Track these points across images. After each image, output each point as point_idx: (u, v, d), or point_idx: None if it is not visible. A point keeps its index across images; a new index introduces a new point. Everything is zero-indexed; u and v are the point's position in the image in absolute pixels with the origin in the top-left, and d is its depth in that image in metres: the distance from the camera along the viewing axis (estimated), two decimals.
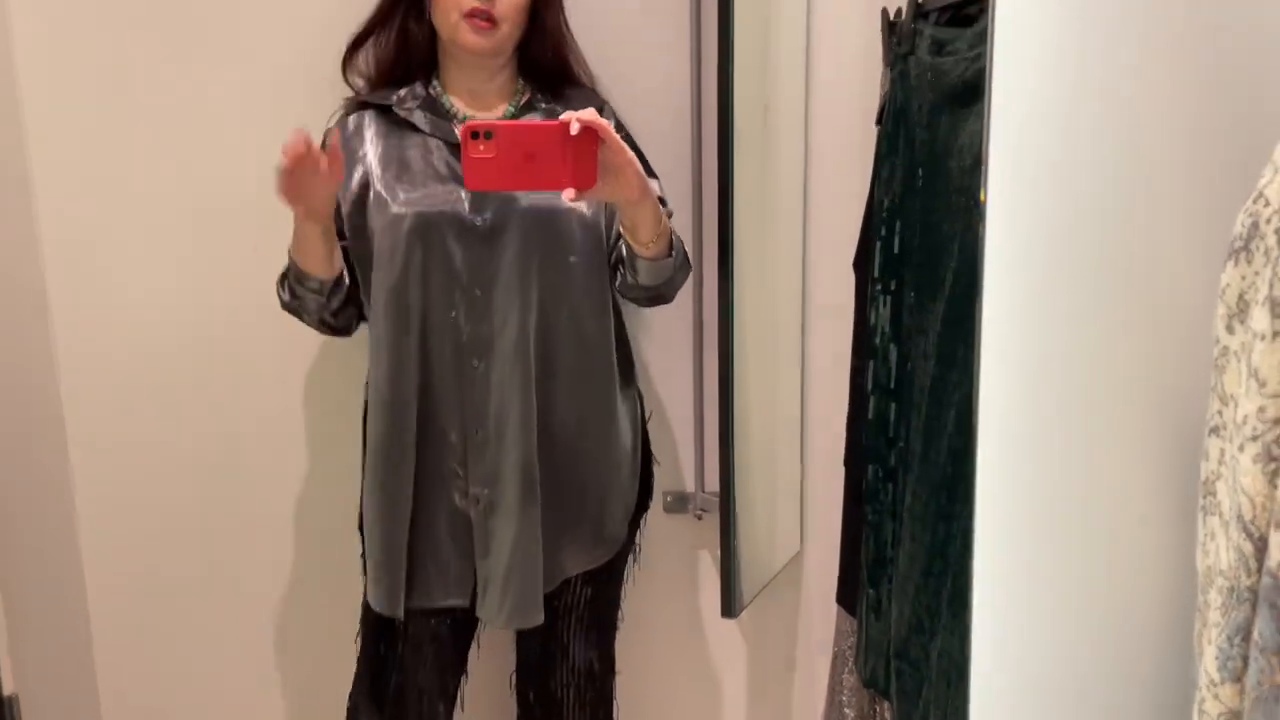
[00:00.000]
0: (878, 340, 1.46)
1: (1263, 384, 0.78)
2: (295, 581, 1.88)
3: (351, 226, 1.47)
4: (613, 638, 1.71)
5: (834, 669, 1.69)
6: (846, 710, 1.63)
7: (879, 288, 1.46)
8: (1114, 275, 0.93)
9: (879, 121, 1.50)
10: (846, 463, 1.63)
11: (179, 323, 1.78)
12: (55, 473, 1.81)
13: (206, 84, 1.70)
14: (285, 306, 1.49)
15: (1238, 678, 0.82)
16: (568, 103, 1.51)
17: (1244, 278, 0.81)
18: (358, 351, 1.58)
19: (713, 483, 1.76)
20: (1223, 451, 0.85)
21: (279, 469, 1.84)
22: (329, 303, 1.45)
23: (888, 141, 1.44)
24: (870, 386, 1.48)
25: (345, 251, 1.48)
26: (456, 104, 1.51)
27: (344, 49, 1.54)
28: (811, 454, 1.82)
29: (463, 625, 1.59)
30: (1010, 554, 0.98)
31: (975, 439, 0.88)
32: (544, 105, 1.52)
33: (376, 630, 1.57)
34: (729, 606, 1.61)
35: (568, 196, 1.26)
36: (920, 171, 1.35)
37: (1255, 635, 0.78)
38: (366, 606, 1.58)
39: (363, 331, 1.54)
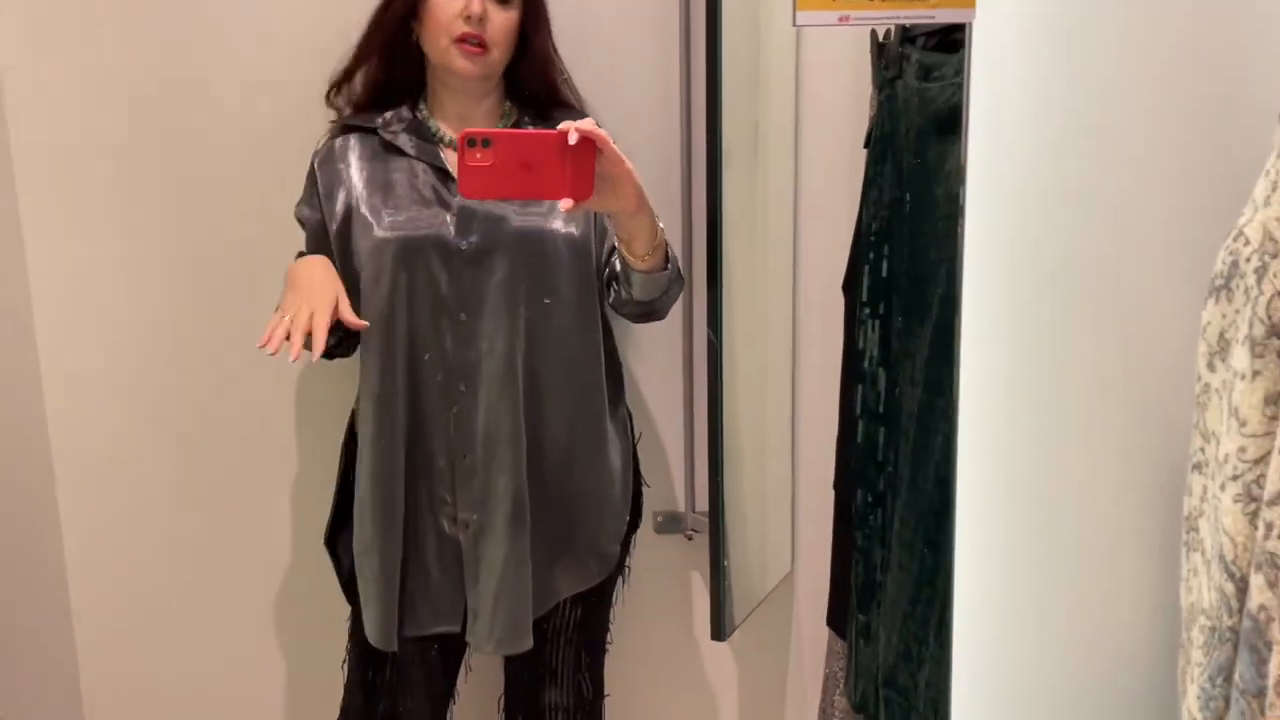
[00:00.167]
0: (866, 364, 1.46)
1: (1243, 423, 0.77)
2: (282, 607, 1.87)
3: (339, 251, 1.47)
4: (602, 660, 1.70)
5: (825, 691, 1.68)
6: None
7: (867, 312, 1.46)
8: (1097, 307, 0.93)
9: (867, 145, 1.49)
10: (836, 486, 1.62)
11: (164, 339, 1.77)
12: (40, 493, 1.80)
13: (196, 97, 1.69)
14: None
15: (1220, 718, 0.81)
16: (555, 125, 1.50)
17: (1224, 316, 0.81)
18: (345, 368, 1.57)
19: (704, 503, 1.75)
20: (1205, 488, 0.85)
21: (265, 489, 1.83)
22: (332, 338, 1.46)
23: (875, 166, 1.43)
24: (859, 411, 1.48)
25: None
26: (443, 127, 1.50)
27: (333, 76, 1.53)
28: (803, 473, 1.81)
29: (452, 650, 1.58)
30: (991, 583, 0.97)
31: (954, 473, 0.88)
32: (531, 128, 1.52)
33: (364, 655, 1.56)
34: (718, 630, 1.60)
35: (565, 206, 1.25)
36: (908, 196, 1.35)
37: (1236, 677, 0.78)
38: (354, 631, 1.57)
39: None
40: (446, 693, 1.62)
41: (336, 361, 1.56)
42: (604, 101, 1.63)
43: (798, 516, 1.83)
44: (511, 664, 1.68)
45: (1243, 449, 0.77)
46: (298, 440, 1.82)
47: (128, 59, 1.68)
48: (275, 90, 1.67)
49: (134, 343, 1.77)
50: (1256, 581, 0.75)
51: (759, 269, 1.67)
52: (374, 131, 1.49)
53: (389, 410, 1.46)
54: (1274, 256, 0.74)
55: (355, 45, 1.50)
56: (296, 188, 1.53)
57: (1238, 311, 0.79)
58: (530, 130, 1.47)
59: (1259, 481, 0.77)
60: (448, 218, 1.44)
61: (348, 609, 1.59)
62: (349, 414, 1.57)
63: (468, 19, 1.41)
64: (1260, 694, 0.75)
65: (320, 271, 1.43)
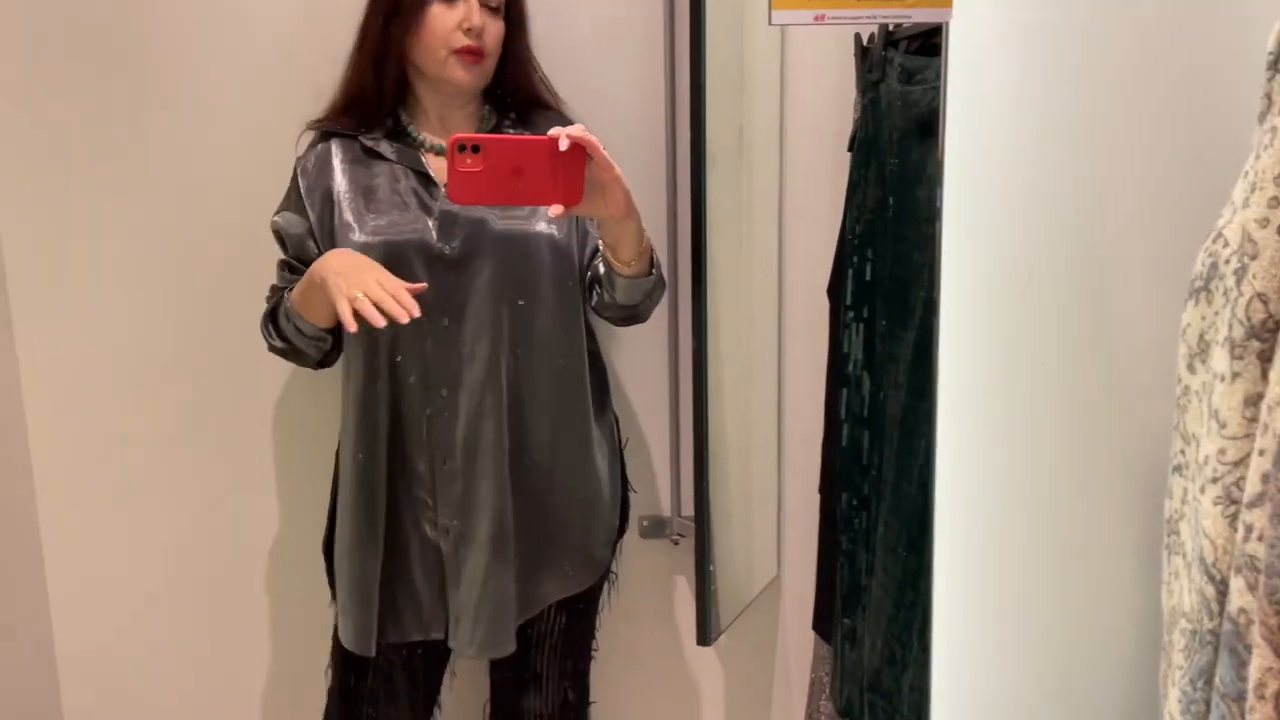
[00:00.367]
0: (850, 368, 1.46)
1: (1223, 425, 0.77)
2: (268, 613, 1.86)
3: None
4: (588, 666, 1.69)
5: (811, 695, 1.68)
6: None
7: (851, 315, 1.45)
8: (1077, 309, 0.92)
9: (851, 148, 1.49)
10: (821, 490, 1.62)
11: (148, 342, 1.76)
12: (20, 498, 1.78)
13: (187, 98, 1.69)
14: (275, 350, 1.48)
15: None
16: (534, 127, 1.50)
17: (1204, 318, 0.80)
18: (331, 374, 1.56)
19: (689, 507, 1.74)
20: (1185, 490, 0.85)
21: (251, 495, 1.82)
22: (324, 345, 1.46)
23: (859, 169, 1.43)
24: (844, 415, 1.47)
25: None
26: (424, 132, 1.50)
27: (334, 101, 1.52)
28: (788, 478, 1.80)
29: (435, 656, 1.57)
30: (972, 586, 0.97)
31: (933, 477, 0.88)
32: (511, 131, 1.52)
33: (348, 662, 1.55)
34: (704, 635, 1.60)
35: (554, 212, 1.25)
36: (891, 200, 1.35)
37: (1217, 680, 0.77)
38: (338, 638, 1.56)
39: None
40: (430, 700, 1.61)
41: (326, 372, 1.55)
42: (588, 104, 1.62)
43: (783, 521, 1.82)
44: (496, 670, 1.67)
45: (1223, 451, 0.77)
46: (288, 446, 1.81)
47: (122, 59, 1.67)
48: (268, 92, 1.67)
49: (118, 346, 1.76)
50: (1236, 584, 0.75)
51: (744, 272, 1.67)
52: (354, 137, 1.48)
53: (370, 414, 1.46)
54: (1253, 258, 0.74)
55: (347, 62, 1.49)
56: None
57: (1217, 313, 0.79)
58: (521, 136, 1.46)
59: (1239, 484, 0.76)
60: (430, 222, 1.43)
61: (332, 615, 1.57)
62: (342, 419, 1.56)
63: (468, 31, 1.40)
64: (1240, 698, 0.75)
65: (350, 256, 1.39)
